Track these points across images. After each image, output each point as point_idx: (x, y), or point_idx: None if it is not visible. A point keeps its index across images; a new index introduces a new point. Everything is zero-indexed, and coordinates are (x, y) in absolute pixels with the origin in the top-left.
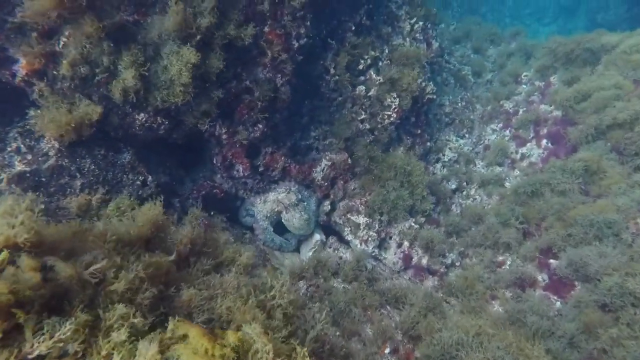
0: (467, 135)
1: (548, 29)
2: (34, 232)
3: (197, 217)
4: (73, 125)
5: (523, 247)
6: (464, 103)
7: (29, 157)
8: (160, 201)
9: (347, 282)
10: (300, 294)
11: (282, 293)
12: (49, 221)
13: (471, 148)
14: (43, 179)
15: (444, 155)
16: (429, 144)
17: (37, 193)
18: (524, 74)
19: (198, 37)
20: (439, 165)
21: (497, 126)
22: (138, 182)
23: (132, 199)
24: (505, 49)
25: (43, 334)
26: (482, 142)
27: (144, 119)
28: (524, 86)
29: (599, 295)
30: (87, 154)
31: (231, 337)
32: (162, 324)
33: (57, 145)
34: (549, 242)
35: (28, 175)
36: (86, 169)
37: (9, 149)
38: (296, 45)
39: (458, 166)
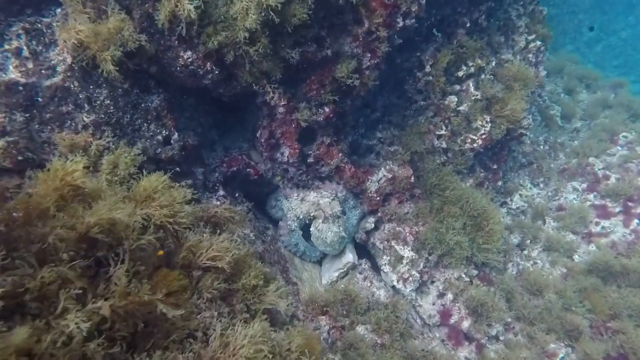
0: (542, 185)
1: (632, 88)
2: None
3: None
4: (88, 38)
5: (586, 344)
6: (547, 147)
7: (30, 65)
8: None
9: (378, 333)
10: (320, 338)
11: None
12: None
13: (544, 202)
14: (39, 100)
15: (512, 200)
16: (499, 183)
17: (27, 115)
18: (623, 133)
19: None
20: (503, 211)
21: (579, 186)
22: (159, 137)
23: (132, 156)
24: (601, 98)
25: None
26: (558, 198)
27: (190, 60)
28: (620, 148)
29: None
30: (105, 83)
31: None
32: None
33: (69, 60)
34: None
35: (21, 88)
36: (99, 102)
37: (6, 46)
38: (400, 24)
39: (524, 219)
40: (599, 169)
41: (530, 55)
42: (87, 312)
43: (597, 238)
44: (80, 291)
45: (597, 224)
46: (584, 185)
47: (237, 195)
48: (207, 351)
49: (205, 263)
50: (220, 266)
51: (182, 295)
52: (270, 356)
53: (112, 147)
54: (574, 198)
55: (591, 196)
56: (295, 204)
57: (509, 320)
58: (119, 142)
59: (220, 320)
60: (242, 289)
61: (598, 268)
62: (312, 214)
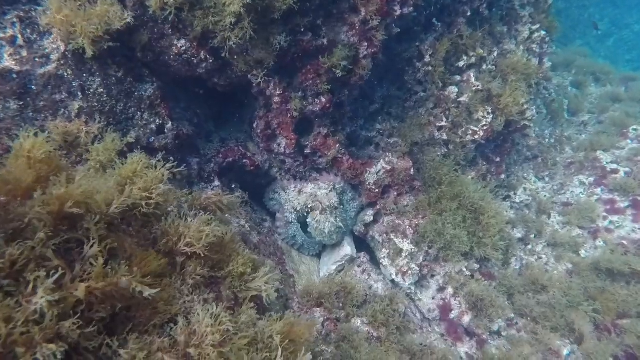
0: (547, 179)
1: None
2: None
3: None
4: (75, 27)
5: (591, 343)
6: (552, 140)
7: (24, 53)
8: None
9: (374, 326)
10: (314, 329)
11: None
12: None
13: (550, 196)
14: (33, 88)
15: (515, 194)
16: (503, 176)
17: (21, 103)
18: (633, 127)
19: None
20: (506, 205)
21: (587, 180)
22: (153, 126)
23: (117, 140)
24: (612, 91)
25: None
26: (564, 192)
27: (183, 48)
28: (630, 142)
29: None
30: (98, 71)
31: None
32: None
33: (63, 48)
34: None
35: (15, 76)
36: (92, 91)
37: (0, 34)
38: (398, 12)
39: (528, 213)
40: (607, 163)
41: (535, 46)
42: (62, 293)
43: (605, 233)
44: (58, 271)
45: (604, 218)
46: (591, 179)
47: (233, 186)
48: (183, 336)
49: (183, 249)
50: (196, 252)
51: (162, 278)
52: (245, 341)
53: (104, 136)
54: (581, 192)
55: (598, 190)
56: (292, 196)
57: (512, 316)
58: (109, 130)
59: (203, 307)
60: (229, 276)
61: (605, 267)
62: (309, 206)
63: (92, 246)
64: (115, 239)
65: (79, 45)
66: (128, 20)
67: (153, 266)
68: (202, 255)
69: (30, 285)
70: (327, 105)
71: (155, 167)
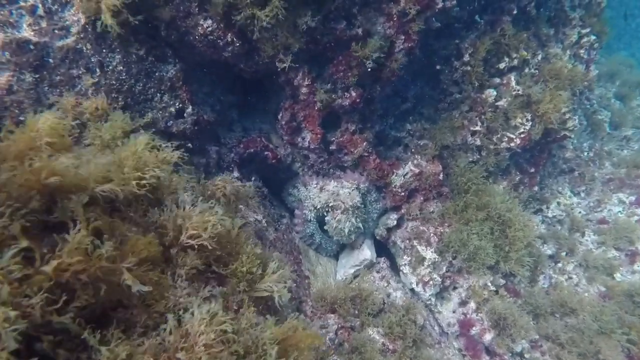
0: (583, 195)
1: None
2: None
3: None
4: None
5: None
6: (591, 154)
7: (43, 24)
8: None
9: (390, 337)
10: (327, 338)
11: None
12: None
13: (585, 212)
14: (50, 61)
15: (548, 208)
16: (536, 188)
17: (37, 76)
18: None
19: None
20: (538, 219)
21: (627, 198)
22: (172, 109)
23: (127, 120)
24: None
25: None
26: (600, 210)
27: (209, 29)
28: None
29: None
30: (119, 48)
31: None
32: None
33: (83, 20)
34: None
35: (32, 47)
36: (111, 68)
37: (21, 3)
38: (440, 5)
39: (561, 229)
40: None
41: (582, 51)
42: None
43: None
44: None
45: None
46: (632, 198)
47: (253, 178)
48: (172, 338)
49: (186, 242)
50: (203, 243)
51: (156, 268)
52: (236, 345)
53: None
54: (619, 211)
55: (639, 210)
56: (313, 193)
57: (536, 337)
58: (130, 112)
59: (199, 305)
60: (234, 276)
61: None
62: (330, 204)
63: (76, 226)
64: (107, 222)
65: (100, 18)
66: None
67: (144, 253)
68: (210, 248)
69: None
70: (357, 100)
71: (158, 150)
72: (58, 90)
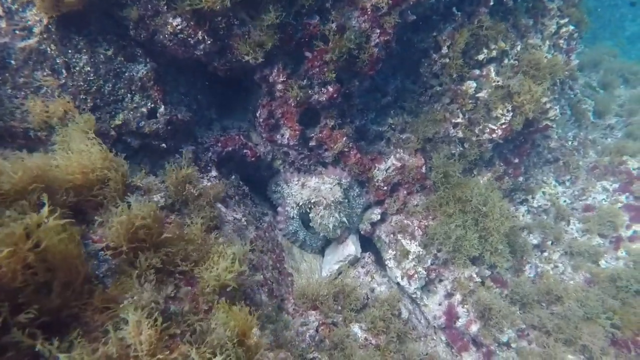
0: (568, 184)
1: None
2: None
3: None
4: None
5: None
6: (575, 143)
7: (3, 24)
8: None
9: (372, 332)
10: (307, 335)
11: None
12: None
13: (570, 201)
14: (12, 62)
15: (533, 198)
16: (520, 178)
17: None
18: None
19: None
20: (523, 209)
21: (610, 186)
22: (143, 110)
23: (91, 121)
24: None
25: None
26: (585, 198)
27: (178, 27)
28: None
29: None
30: (85, 48)
31: None
32: None
33: (45, 20)
34: None
35: None
36: (78, 68)
37: None
38: None
39: (546, 218)
40: (634, 169)
41: (562, 42)
42: None
43: (628, 243)
44: None
45: (628, 227)
46: (616, 186)
47: (232, 177)
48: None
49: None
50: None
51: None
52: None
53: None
54: (604, 199)
55: (623, 197)
56: (295, 190)
57: (523, 326)
58: (99, 114)
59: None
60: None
61: (628, 280)
62: (312, 200)
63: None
64: None
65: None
66: None
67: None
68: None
69: None
70: (335, 95)
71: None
72: (23, 93)
